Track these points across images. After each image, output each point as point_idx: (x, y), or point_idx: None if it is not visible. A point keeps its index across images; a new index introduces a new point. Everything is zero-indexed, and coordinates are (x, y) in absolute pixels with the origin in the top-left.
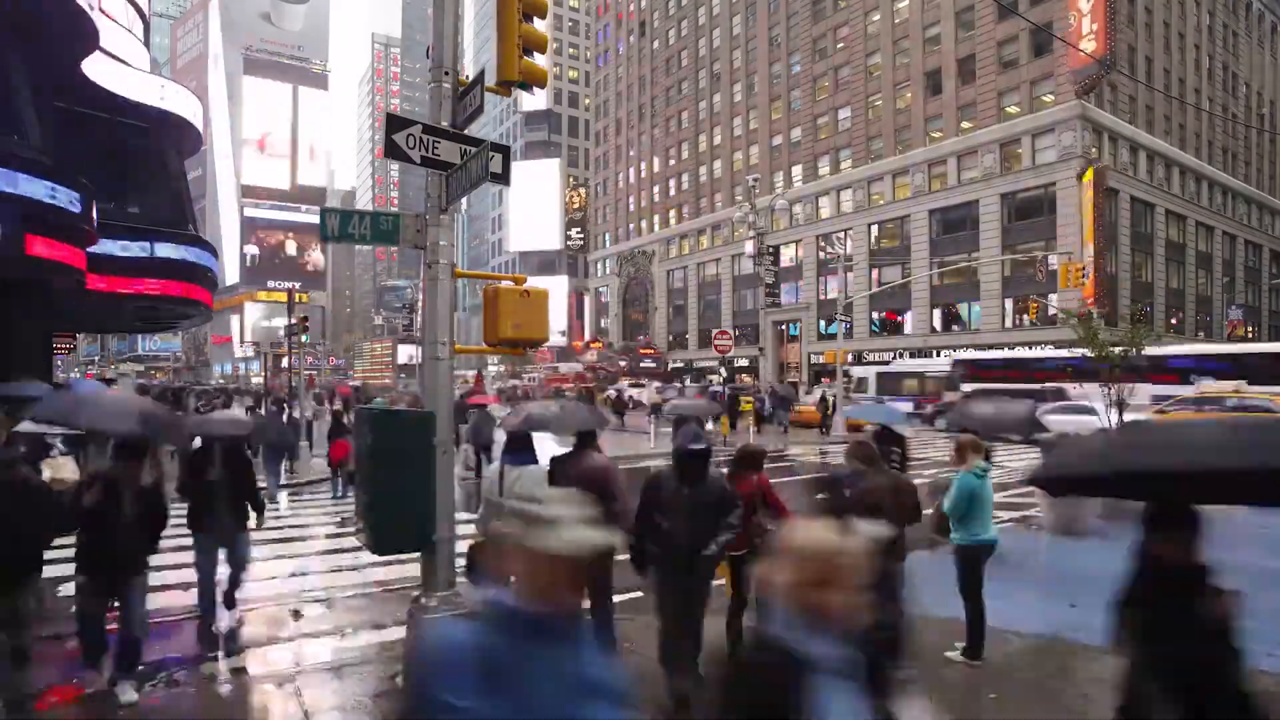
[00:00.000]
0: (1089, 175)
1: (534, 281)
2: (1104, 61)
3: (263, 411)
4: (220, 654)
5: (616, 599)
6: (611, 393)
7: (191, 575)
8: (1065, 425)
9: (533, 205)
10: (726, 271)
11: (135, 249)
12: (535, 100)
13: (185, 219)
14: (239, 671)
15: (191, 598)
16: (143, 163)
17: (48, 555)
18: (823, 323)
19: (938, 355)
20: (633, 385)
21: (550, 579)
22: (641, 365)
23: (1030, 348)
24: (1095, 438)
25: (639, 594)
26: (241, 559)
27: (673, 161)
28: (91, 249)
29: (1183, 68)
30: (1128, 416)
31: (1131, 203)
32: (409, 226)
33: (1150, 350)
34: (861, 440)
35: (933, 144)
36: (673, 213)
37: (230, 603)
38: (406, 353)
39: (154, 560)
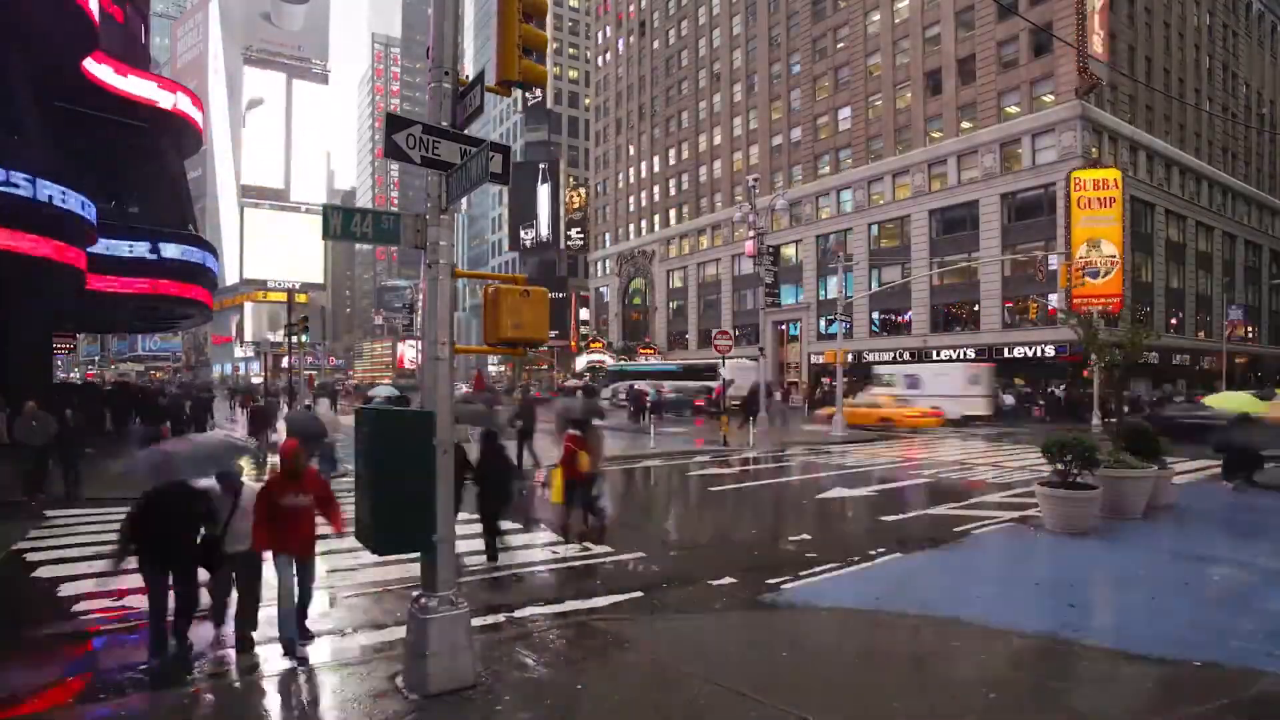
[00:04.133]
0: (1112, 174)
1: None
2: (1095, 79)
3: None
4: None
5: (612, 599)
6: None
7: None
8: None
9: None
10: (726, 271)
11: (135, 249)
12: (535, 100)
13: (185, 219)
14: (247, 671)
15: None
16: (143, 163)
17: (43, 557)
18: (823, 323)
19: (938, 355)
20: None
21: None
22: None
23: (1030, 348)
24: None
25: (638, 594)
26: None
27: (673, 161)
28: (92, 249)
29: (1183, 68)
30: None
31: (1131, 203)
32: (409, 226)
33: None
34: None
35: (933, 144)
36: (673, 213)
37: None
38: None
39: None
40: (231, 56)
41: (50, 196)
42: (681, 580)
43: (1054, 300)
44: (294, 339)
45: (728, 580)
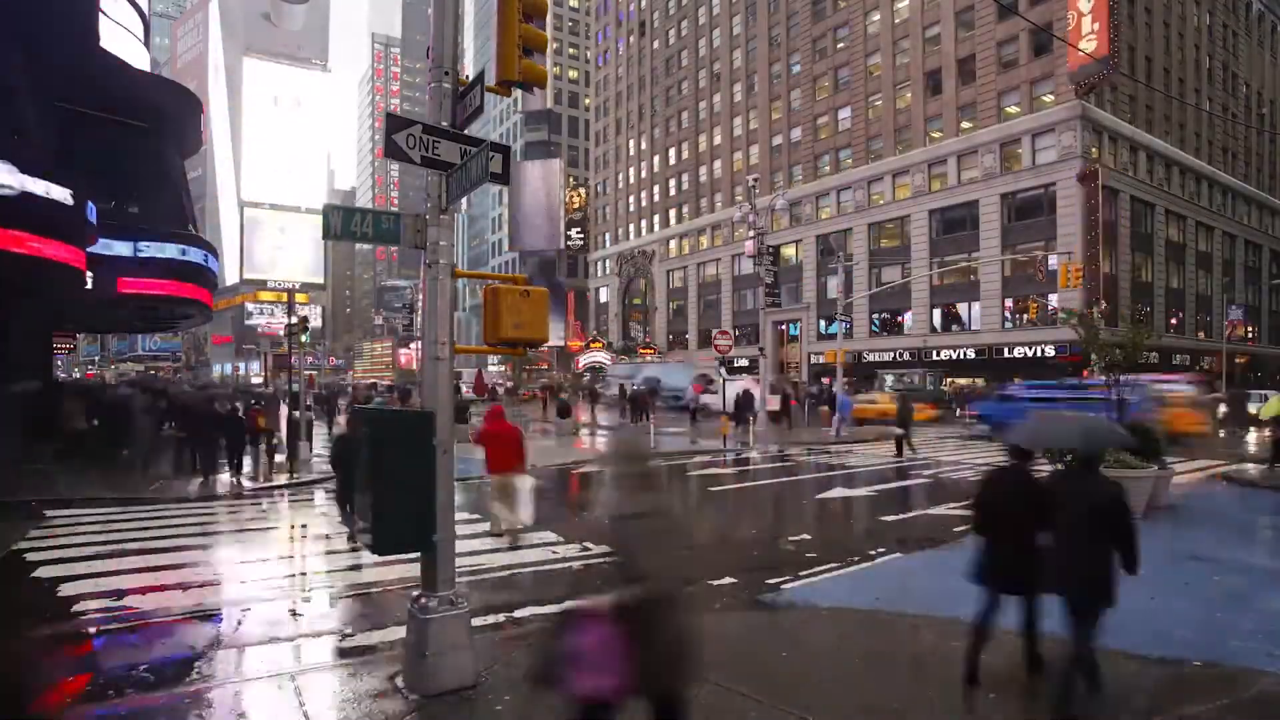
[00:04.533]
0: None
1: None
2: (1105, 62)
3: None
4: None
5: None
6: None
7: (191, 575)
8: None
9: (533, 205)
10: (726, 271)
11: (135, 249)
12: (535, 100)
13: (185, 219)
14: (238, 671)
15: (189, 599)
16: (143, 163)
17: (43, 557)
18: (823, 323)
19: (937, 355)
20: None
21: None
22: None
23: (1030, 348)
24: None
25: None
26: None
27: (673, 161)
28: (92, 249)
29: (1183, 68)
30: None
31: (1131, 203)
32: (409, 226)
33: None
34: None
35: (933, 144)
36: (673, 213)
37: None
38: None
39: (159, 560)
40: (232, 56)
41: (51, 196)
42: (682, 580)
43: (1054, 300)
44: (293, 339)
45: (728, 580)
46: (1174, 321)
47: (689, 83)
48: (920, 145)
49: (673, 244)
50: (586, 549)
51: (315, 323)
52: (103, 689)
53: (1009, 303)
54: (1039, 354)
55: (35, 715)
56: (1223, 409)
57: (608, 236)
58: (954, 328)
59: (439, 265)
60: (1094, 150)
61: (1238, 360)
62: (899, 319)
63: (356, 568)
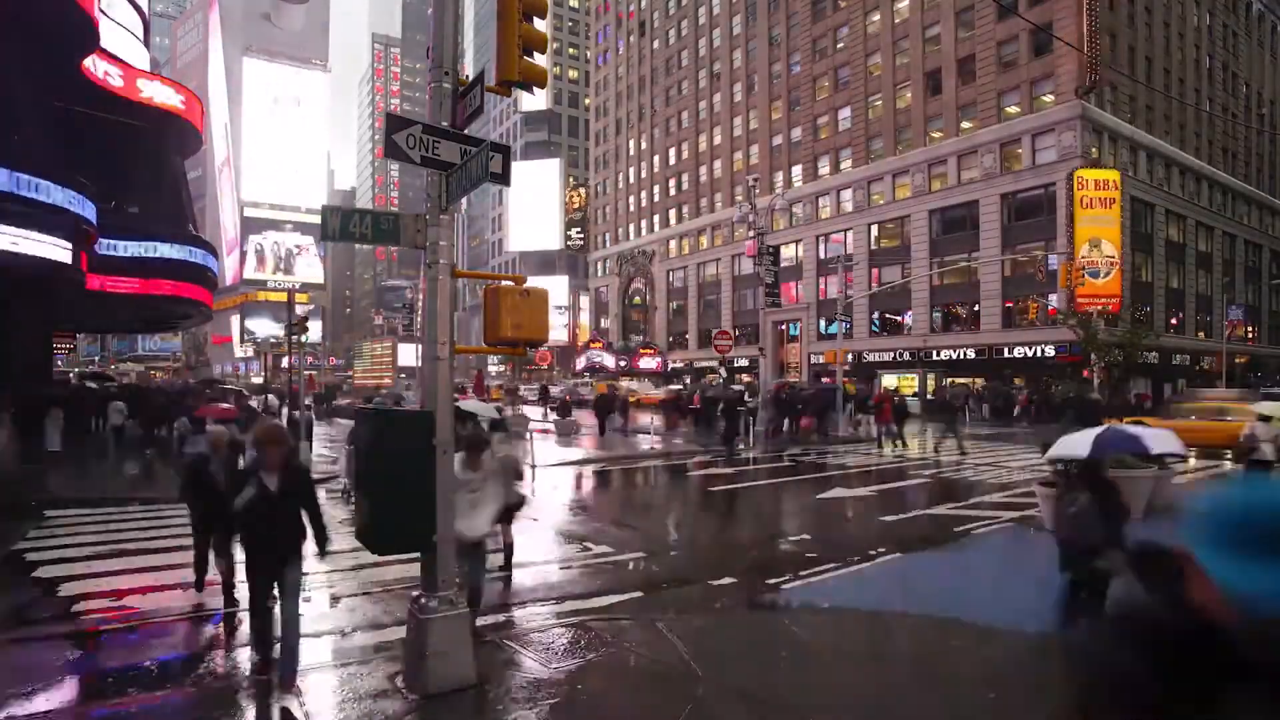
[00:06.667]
0: (1112, 175)
1: (533, 282)
2: (1104, 61)
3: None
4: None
5: (612, 599)
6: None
7: (191, 576)
8: None
9: (533, 205)
10: (726, 271)
11: (135, 249)
12: (535, 100)
13: (185, 219)
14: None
15: (189, 599)
16: (143, 163)
17: (43, 557)
18: (823, 323)
19: (937, 355)
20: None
21: None
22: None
23: (1030, 348)
24: None
25: (638, 594)
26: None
27: (673, 161)
28: (91, 248)
29: (1183, 68)
30: None
31: (1131, 203)
32: (409, 226)
33: None
34: None
35: (933, 144)
36: (673, 213)
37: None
38: (408, 353)
39: (159, 561)
40: (232, 56)
41: (51, 197)
42: (681, 580)
43: (1054, 300)
44: (294, 339)
45: (728, 580)
46: (1174, 321)
47: (689, 83)
48: (920, 145)
49: (673, 244)
50: (587, 549)
51: (315, 331)
52: (103, 688)
53: (1009, 303)
54: (1039, 354)
55: (35, 715)
56: None
57: (607, 236)
58: (954, 328)
59: (439, 265)
60: (1094, 150)
61: (1238, 360)
62: (899, 319)
63: (356, 568)
